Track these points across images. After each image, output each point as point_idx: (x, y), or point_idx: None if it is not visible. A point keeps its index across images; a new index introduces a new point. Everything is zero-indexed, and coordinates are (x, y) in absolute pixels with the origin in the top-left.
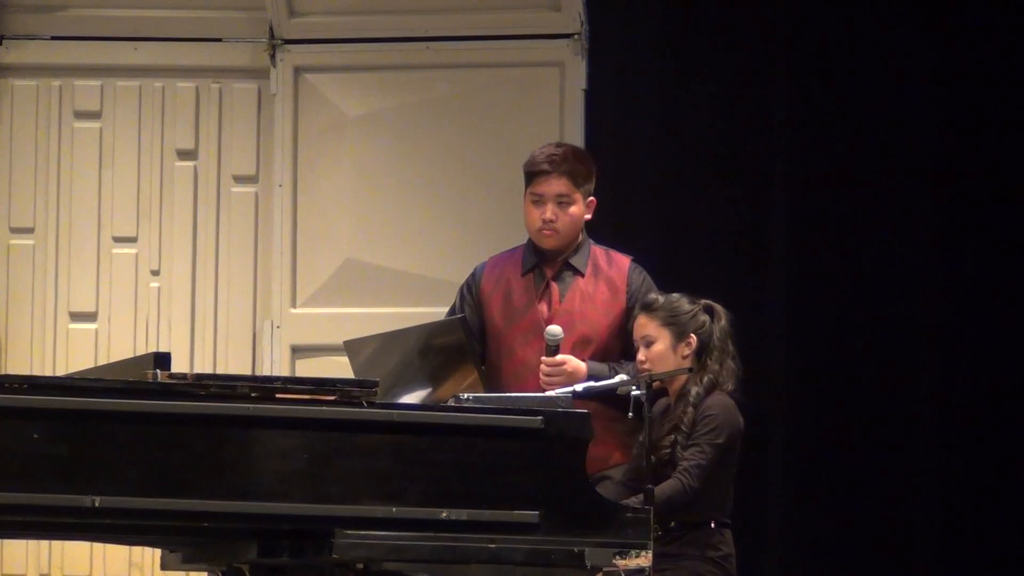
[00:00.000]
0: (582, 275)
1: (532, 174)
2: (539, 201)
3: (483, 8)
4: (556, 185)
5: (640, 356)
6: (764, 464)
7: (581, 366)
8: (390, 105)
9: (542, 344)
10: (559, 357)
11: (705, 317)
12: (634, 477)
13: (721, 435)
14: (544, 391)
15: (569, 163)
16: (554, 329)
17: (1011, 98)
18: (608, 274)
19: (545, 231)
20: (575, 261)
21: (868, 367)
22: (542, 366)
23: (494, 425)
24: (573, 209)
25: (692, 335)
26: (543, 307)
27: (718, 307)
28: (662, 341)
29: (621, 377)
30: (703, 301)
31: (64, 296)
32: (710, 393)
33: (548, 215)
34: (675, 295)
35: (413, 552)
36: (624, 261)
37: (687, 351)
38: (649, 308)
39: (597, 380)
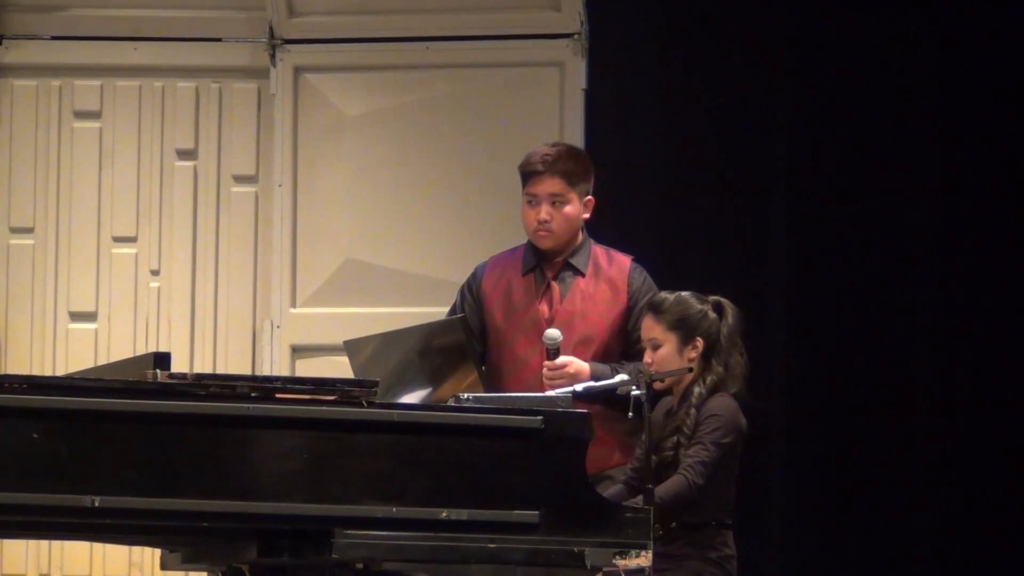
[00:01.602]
0: (583, 275)
1: (527, 174)
2: (534, 201)
3: (483, 8)
4: (550, 185)
5: (646, 359)
6: (765, 464)
7: (584, 367)
8: (390, 105)
9: (542, 344)
10: (561, 360)
11: (714, 316)
12: (636, 478)
13: (727, 435)
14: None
15: (563, 162)
16: (552, 333)
17: (1013, 98)
18: (609, 274)
19: (540, 231)
20: (575, 261)
21: (869, 367)
22: (544, 370)
23: (494, 425)
24: (568, 209)
25: (698, 338)
26: (544, 307)
27: (727, 304)
28: (668, 345)
29: (621, 377)
30: (712, 298)
31: (64, 296)
32: (713, 395)
33: (543, 215)
34: (684, 294)
35: (413, 552)
36: (625, 261)
37: (693, 354)
38: (657, 310)
39: (598, 381)
